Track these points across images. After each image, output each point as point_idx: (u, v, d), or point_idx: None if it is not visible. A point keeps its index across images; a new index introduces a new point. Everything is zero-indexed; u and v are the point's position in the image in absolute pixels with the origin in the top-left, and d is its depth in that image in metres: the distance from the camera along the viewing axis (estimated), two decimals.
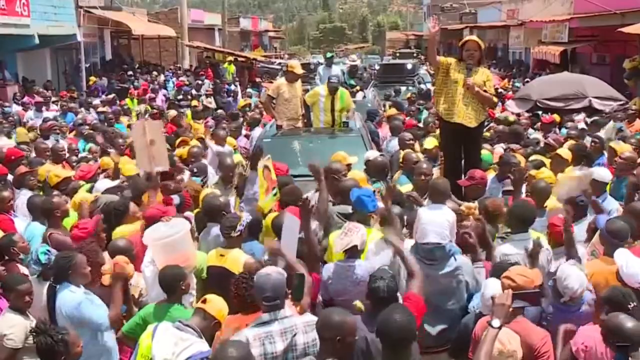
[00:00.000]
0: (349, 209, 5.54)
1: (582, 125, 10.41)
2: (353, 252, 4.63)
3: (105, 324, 4.31)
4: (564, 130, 10.07)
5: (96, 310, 4.30)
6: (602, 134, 9.24)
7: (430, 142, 8.14)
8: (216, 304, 3.91)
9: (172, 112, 13.54)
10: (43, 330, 3.67)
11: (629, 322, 3.54)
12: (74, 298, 4.31)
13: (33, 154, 8.58)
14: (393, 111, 11.86)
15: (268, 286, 3.74)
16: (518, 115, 12.04)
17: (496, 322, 3.49)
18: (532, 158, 7.60)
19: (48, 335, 3.64)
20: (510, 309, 3.59)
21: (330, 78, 9.78)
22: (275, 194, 6.06)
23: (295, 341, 3.70)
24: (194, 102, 16.49)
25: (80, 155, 9.06)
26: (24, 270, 4.90)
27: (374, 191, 5.73)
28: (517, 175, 5.91)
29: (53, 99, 16.05)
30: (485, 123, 8.34)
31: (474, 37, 7.39)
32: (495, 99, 7.23)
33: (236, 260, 4.78)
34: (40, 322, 3.86)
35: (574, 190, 5.66)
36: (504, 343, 3.70)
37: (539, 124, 10.90)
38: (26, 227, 5.87)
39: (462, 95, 6.82)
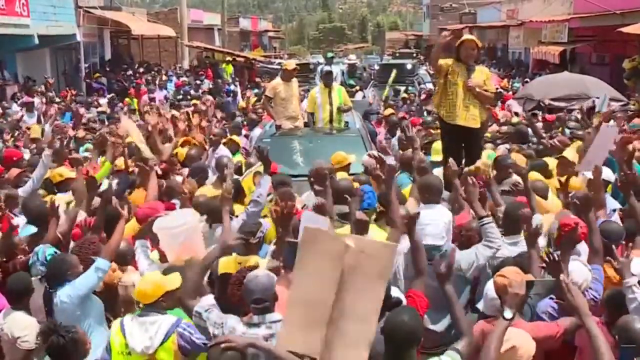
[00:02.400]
0: (345, 209, 5.55)
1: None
2: None
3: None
4: (566, 131, 10.06)
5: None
6: None
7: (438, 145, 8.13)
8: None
9: (174, 113, 13.53)
10: (54, 330, 3.66)
11: (638, 324, 3.49)
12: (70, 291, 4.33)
13: (27, 155, 8.55)
14: (389, 111, 11.83)
15: (258, 288, 3.67)
16: (516, 114, 12.05)
17: (508, 313, 3.37)
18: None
19: (60, 335, 3.64)
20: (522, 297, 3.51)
21: (323, 70, 9.78)
22: (270, 200, 6.03)
23: None
24: (194, 101, 16.44)
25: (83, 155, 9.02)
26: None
27: None
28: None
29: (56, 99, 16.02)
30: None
31: (471, 36, 7.33)
32: (493, 96, 7.19)
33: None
34: (50, 322, 3.87)
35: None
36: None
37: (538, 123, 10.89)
38: (22, 229, 5.83)
39: (462, 98, 6.81)
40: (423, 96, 15.63)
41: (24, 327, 4.25)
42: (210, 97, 17.49)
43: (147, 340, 3.82)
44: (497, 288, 3.80)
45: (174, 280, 4.07)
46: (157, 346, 3.82)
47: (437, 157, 7.61)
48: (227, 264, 4.73)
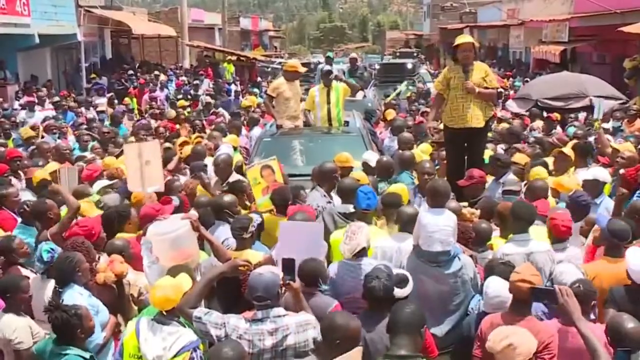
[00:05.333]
0: (349, 207, 5.58)
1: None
2: (360, 253, 4.66)
3: (98, 341, 4.26)
4: (571, 129, 10.07)
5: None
6: None
7: (425, 148, 8.21)
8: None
9: (172, 112, 13.60)
10: (56, 307, 3.77)
11: (629, 323, 3.52)
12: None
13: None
14: (392, 113, 11.84)
15: (260, 286, 3.74)
16: (516, 115, 12.06)
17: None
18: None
19: (62, 310, 3.74)
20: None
21: (323, 69, 9.83)
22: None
23: (286, 341, 3.71)
24: (181, 102, 16.43)
25: (78, 155, 9.06)
26: (26, 272, 4.86)
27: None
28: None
29: (55, 98, 16.01)
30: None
31: (467, 39, 7.33)
32: (495, 92, 7.21)
33: (252, 261, 4.61)
34: (51, 300, 3.93)
35: None
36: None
37: (541, 123, 10.92)
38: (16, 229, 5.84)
39: (463, 99, 6.83)
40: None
41: (13, 329, 4.23)
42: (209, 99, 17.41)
43: (161, 349, 3.76)
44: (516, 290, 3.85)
45: (187, 281, 4.06)
46: (169, 358, 3.76)
47: (425, 156, 7.73)
48: None
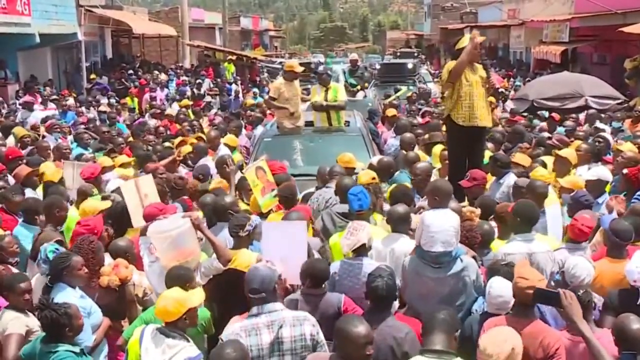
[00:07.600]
0: (347, 207, 5.57)
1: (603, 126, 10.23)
2: (360, 251, 4.65)
3: (87, 344, 4.21)
4: (561, 129, 10.07)
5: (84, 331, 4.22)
6: None
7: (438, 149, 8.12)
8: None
9: (171, 110, 13.62)
10: (46, 306, 3.78)
11: (636, 324, 3.49)
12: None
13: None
14: (392, 111, 11.82)
15: (256, 280, 3.76)
16: (513, 115, 12.07)
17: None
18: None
19: (52, 309, 3.75)
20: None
21: (318, 68, 9.80)
22: (275, 195, 6.07)
23: (282, 333, 3.69)
24: (185, 102, 16.46)
25: (77, 153, 9.04)
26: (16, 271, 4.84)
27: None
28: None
29: (53, 97, 16.00)
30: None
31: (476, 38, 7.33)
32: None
33: (246, 260, 4.62)
34: (41, 298, 3.92)
35: None
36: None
37: (543, 123, 10.91)
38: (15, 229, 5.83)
39: (477, 97, 6.82)
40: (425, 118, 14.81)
41: (8, 321, 4.22)
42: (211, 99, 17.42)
43: None
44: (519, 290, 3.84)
45: (197, 297, 4.00)
46: None
47: (437, 164, 7.62)
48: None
